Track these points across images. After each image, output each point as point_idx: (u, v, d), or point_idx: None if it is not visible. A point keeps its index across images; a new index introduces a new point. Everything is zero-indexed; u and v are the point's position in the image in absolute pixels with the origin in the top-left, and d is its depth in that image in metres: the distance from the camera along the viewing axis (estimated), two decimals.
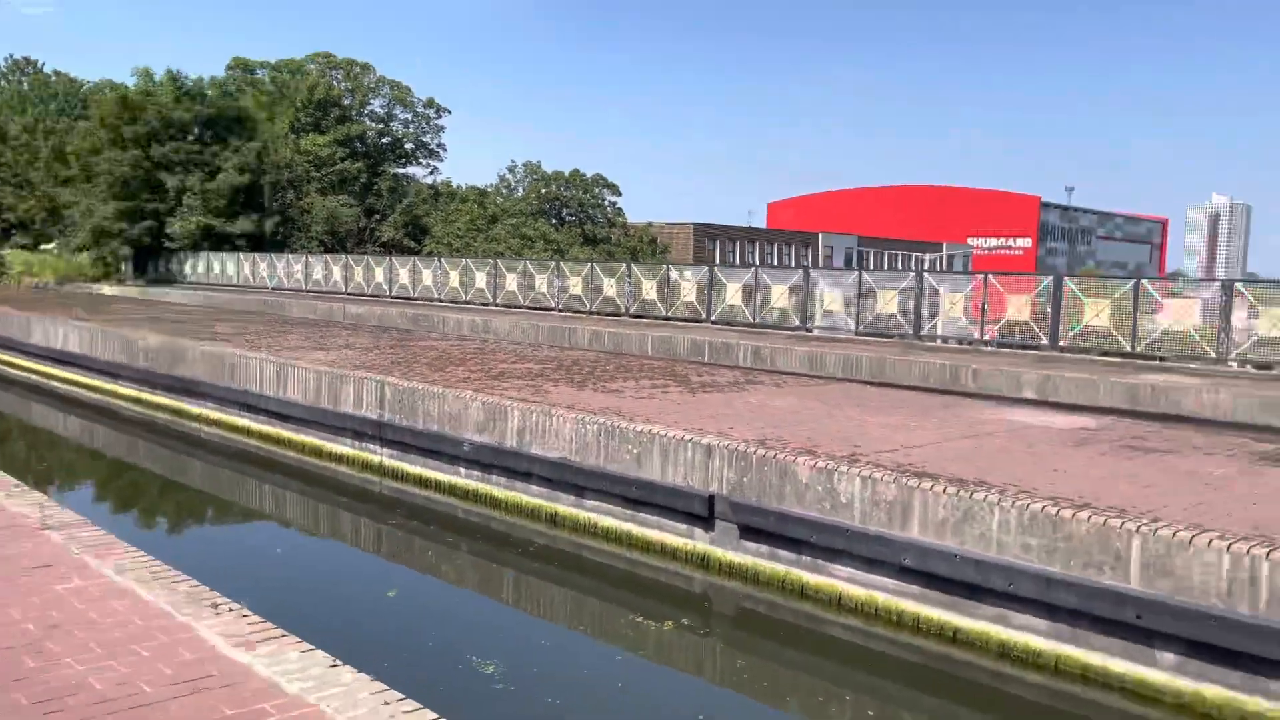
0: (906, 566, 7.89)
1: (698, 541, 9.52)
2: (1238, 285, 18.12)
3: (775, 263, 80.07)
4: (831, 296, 24.42)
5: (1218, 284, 18.47)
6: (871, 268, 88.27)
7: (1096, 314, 19.48)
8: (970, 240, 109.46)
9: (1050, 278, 20.53)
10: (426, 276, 34.35)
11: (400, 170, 62.96)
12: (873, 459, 8.58)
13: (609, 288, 29.09)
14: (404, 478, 12.63)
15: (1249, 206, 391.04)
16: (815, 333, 24.03)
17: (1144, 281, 19.69)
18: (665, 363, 17.93)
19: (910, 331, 22.56)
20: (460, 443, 11.69)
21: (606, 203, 72.99)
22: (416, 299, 33.94)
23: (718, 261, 75.48)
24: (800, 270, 25.95)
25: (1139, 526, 6.75)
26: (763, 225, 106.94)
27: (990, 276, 21.85)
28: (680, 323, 26.54)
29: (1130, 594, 6.74)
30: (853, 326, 23.67)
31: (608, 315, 28.41)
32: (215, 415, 16.38)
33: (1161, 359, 18.70)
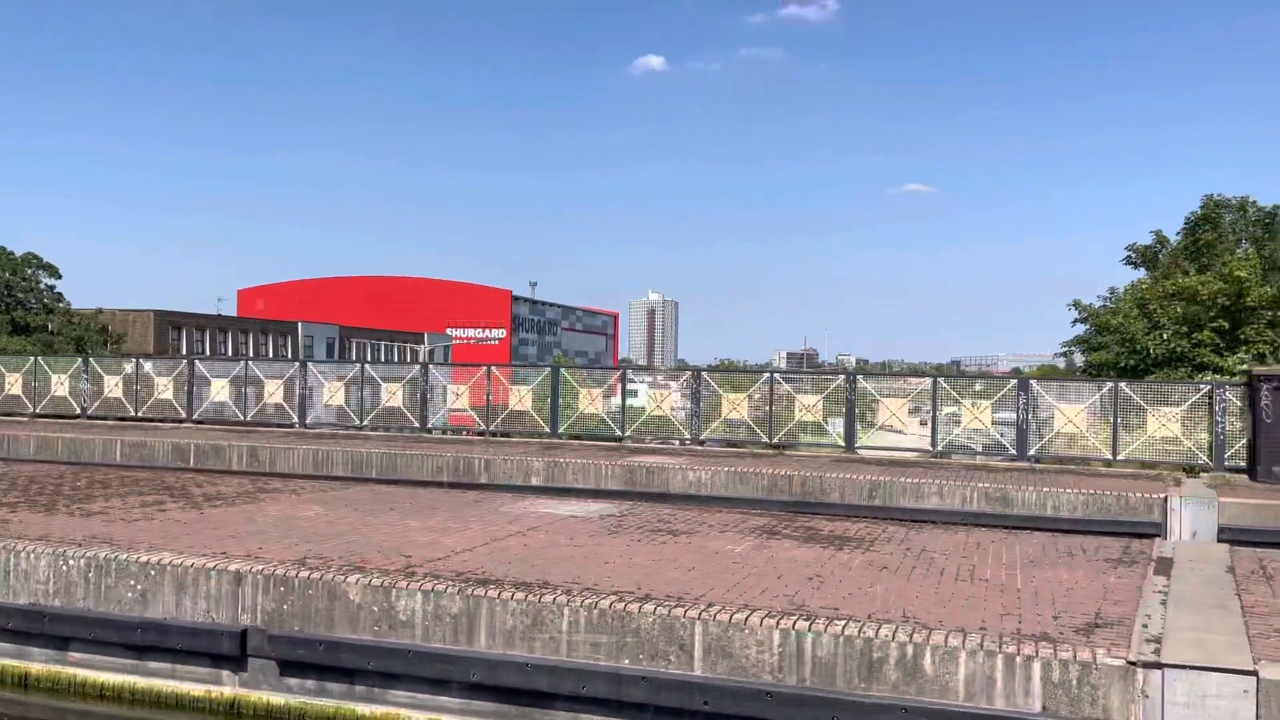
0: (476, 683, 7.44)
1: (226, 686, 8.16)
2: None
3: (251, 353, 75.44)
4: (332, 389, 23.36)
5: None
6: (355, 359, 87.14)
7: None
8: (449, 330, 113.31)
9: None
10: None
11: None
12: (429, 569, 8.05)
13: (59, 385, 24.96)
14: None
15: (677, 302, 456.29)
16: (320, 429, 22.73)
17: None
18: (150, 473, 15.64)
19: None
20: None
21: (42, 286, 63.57)
22: None
23: (183, 351, 69.16)
24: (297, 364, 24.48)
25: (700, 613, 7.05)
26: (233, 313, 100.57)
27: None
28: (155, 424, 23.53)
29: (696, 681, 6.98)
30: (350, 418, 22.82)
31: (61, 418, 24.28)
32: None
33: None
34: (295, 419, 22.94)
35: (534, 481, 17.89)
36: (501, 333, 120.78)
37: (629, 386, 22.01)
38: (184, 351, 68.43)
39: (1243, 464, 16.28)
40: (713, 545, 9.42)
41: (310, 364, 24.39)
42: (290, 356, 79.98)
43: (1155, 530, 14.07)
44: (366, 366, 23.53)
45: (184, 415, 23.78)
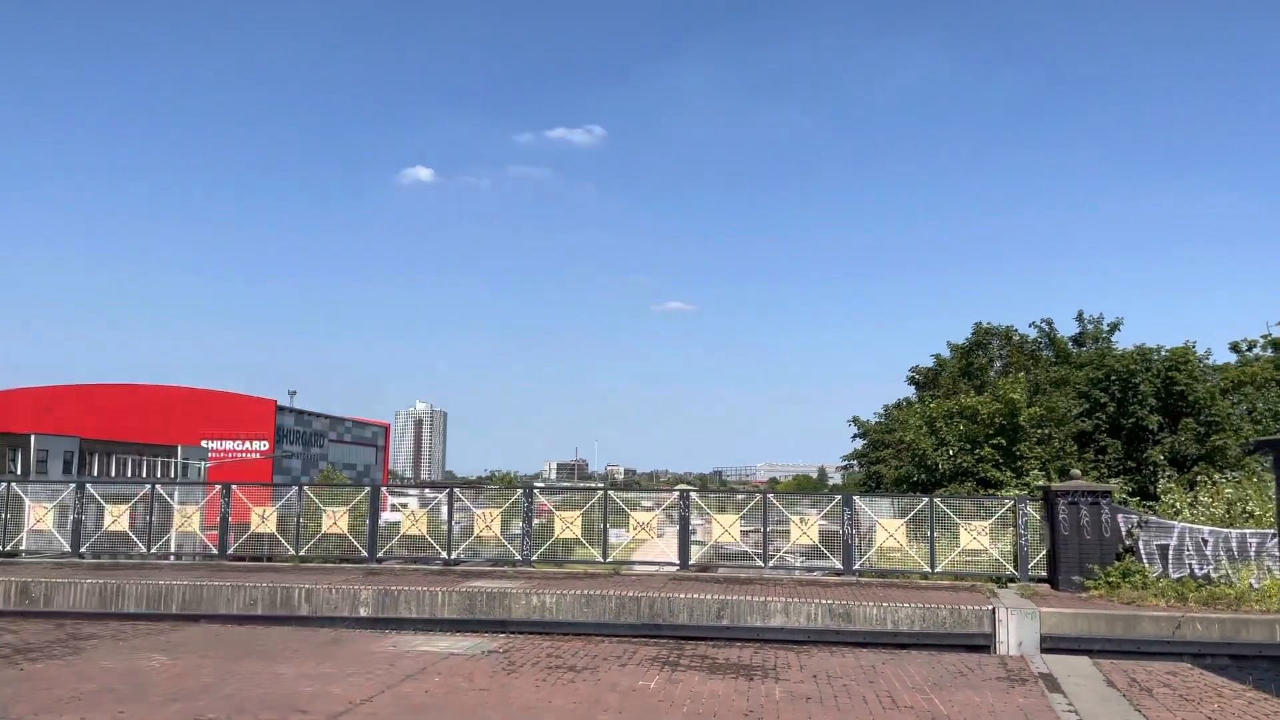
0: None
1: None
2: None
3: None
4: (43, 511, 20.94)
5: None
6: (98, 474, 79.05)
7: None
8: (205, 442, 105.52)
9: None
10: None
11: None
12: None
13: None
14: None
15: (445, 412, 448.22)
16: (19, 559, 20.38)
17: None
18: None
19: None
20: None
21: None
22: None
23: None
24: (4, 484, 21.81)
25: None
26: None
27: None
28: None
29: None
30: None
31: None
32: None
33: (324, 560, 19.89)
34: (67, 547, 20.44)
35: (362, 612, 16.74)
36: (264, 444, 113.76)
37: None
38: None
39: (1044, 574, 17.66)
40: (623, 681, 9.07)
41: (15, 484, 21.81)
42: (20, 472, 71.43)
43: (986, 641, 14.92)
44: (88, 486, 21.34)
45: None
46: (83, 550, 20.47)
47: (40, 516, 20.69)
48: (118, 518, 20.70)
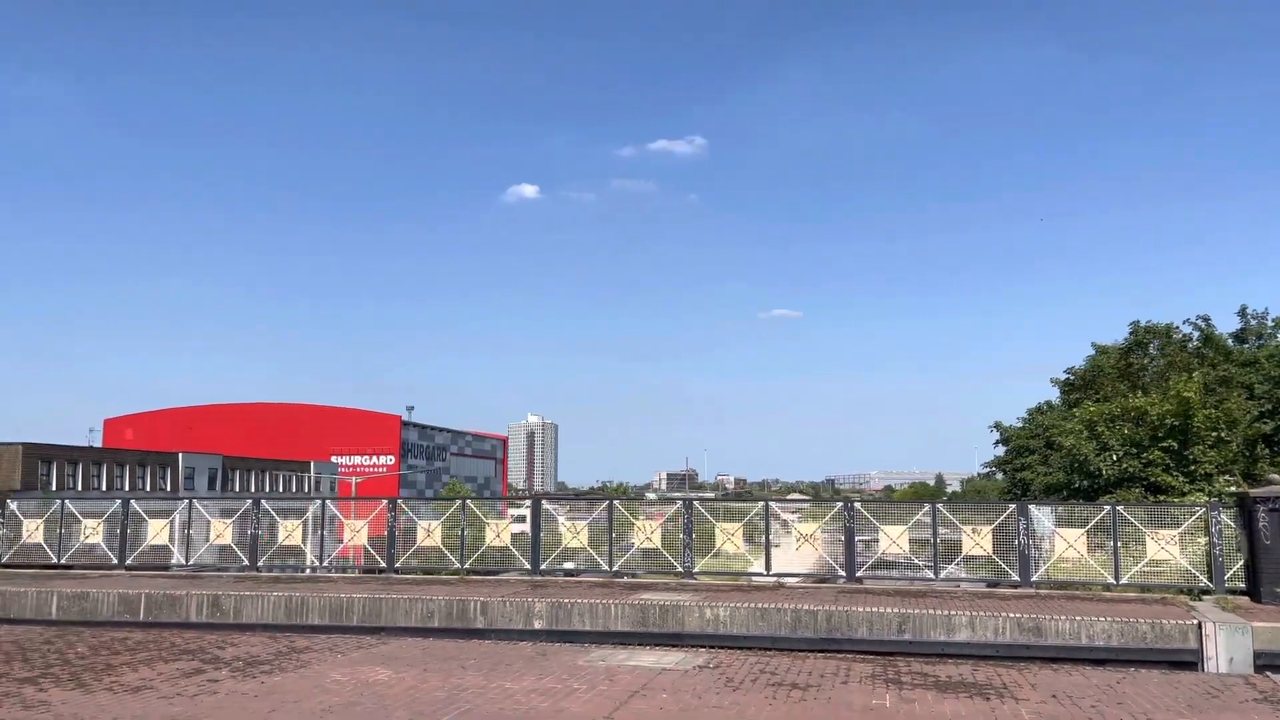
0: None
1: None
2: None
3: (126, 486, 70.68)
4: (222, 526, 21.87)
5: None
6: (239, 490, 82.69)
7: (428, 534, 20.33)
8: (335, 458, 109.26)
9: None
10: None
11: None
12: None
13: None
14: None
15: (556, 424, 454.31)
16: (204, 571, 21.20)
17: (469, 503, 21.05)
18: (128, 631, 14.08)
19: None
20: None
21: None
22: None
23: (54, 486, 64.22)
24: (251, 500, 22.87)
25: None
26: (99, 444, 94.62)
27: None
28: (82, 571, 21.52)
29: None
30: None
31: None
32: None
33: (491, 573, 20.10)
34: (246, 561, 21.33)
35: (536, 625, 16.94)
36: (390, 459, 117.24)
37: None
38: (58, 487, 63.63)
39: (1242, 585, 16.69)
40: (855, 699, 8.86)
41: (196, 501, 22.76)
42: (170, 489, 75.26)
43: (1193, 658, 14.14)
44: (263, 502, 22.07)
45: (114, 560, 21.82)
46: (259, 565, 21.29)
47: (220, 531, 21.65)
48: (291, 533, 21.50)
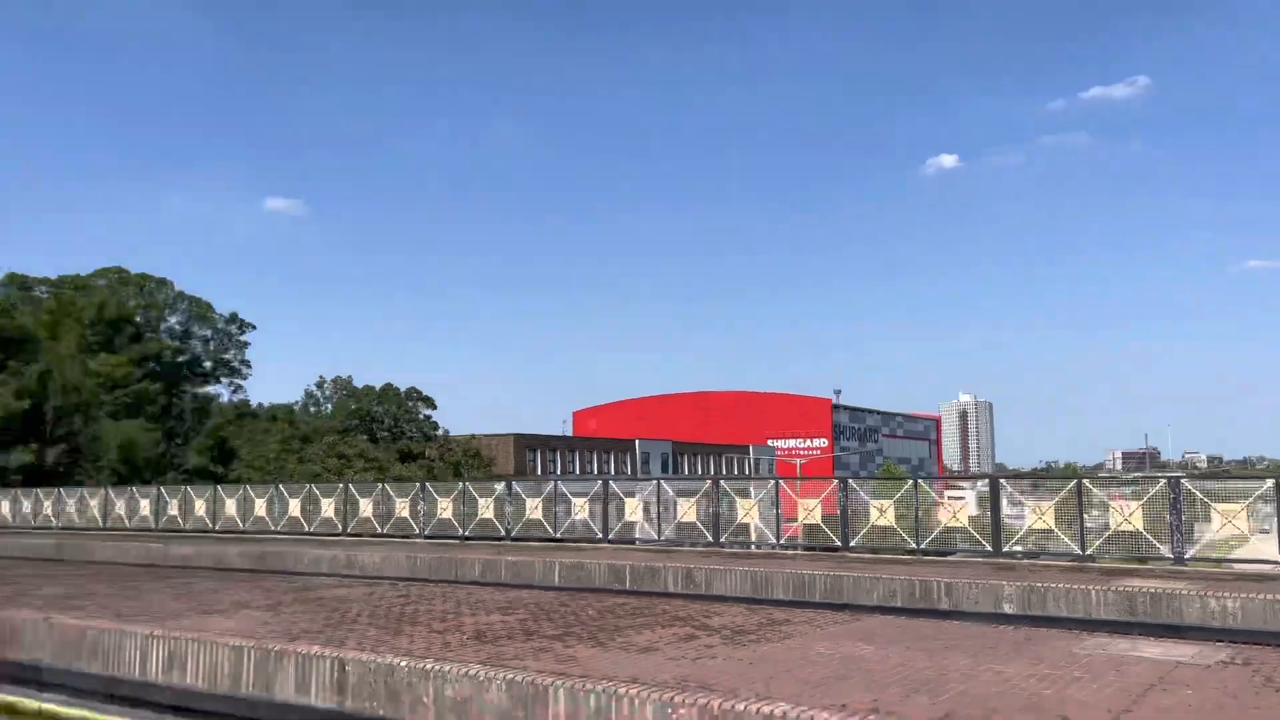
0: None
1: None
2: (1002, 480, 18.85)
3: (590, 470, 78.74)
4: (684, 506, 23.25)
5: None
6: (687, 473, 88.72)
7: (880, 514, 20.12)
8: (770, 442, 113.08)
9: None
10: (259, 506, 30.30)
11: (200, 390, 57.95)
12: None
13: (485, 509, 26.40)
14: None
15: (991, 404, 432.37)
16: (760, 548, 22.44)
17: (920, 482, 20.62)
18: (622, 598, 15.62)
19: (771, 540, 21.35)
20: None
21: (421, 416, 70.11)
22: (250, 533, 29.75)
23: (538, 470, 73.25)
24: (710, 481, 24.44)
25: None
26: (568, 433, 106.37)
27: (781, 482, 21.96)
28: (575, 544, 24.25)
29: None
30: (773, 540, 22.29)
31: (487, 540, 25.62)
32: (69, 713, 12.45)
33: (942, 554, 19.56)
34: (648, 533, 23.10)
35: (1006, 609, 16.19)
36: (823, 442, 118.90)
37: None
38: (539, 470, 72.58)
39: None
40: None
41: (663, 481, 24.49)
42: (630, 473, 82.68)
43: None
44: (721, 482, 23.17)
45: (599, 535, 24.35)
46: (721, 540, 22.54)
47: (685, 510, 23.28)
48: (749, 511, 22.59)
